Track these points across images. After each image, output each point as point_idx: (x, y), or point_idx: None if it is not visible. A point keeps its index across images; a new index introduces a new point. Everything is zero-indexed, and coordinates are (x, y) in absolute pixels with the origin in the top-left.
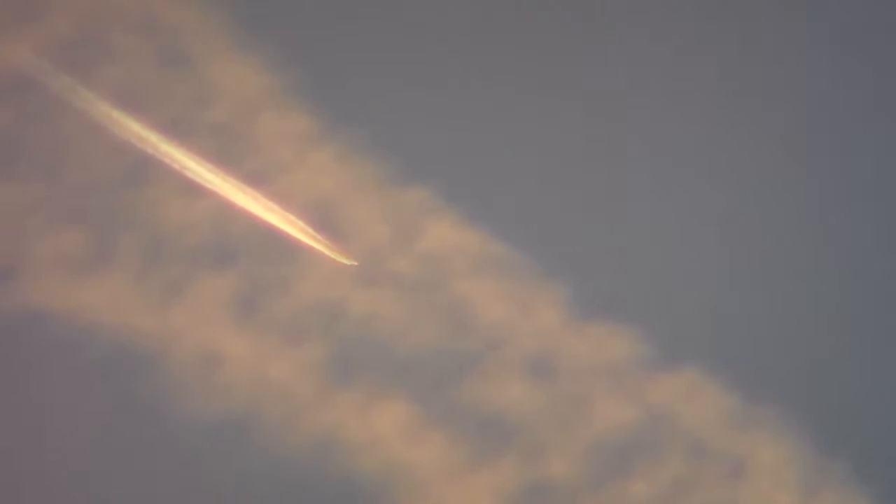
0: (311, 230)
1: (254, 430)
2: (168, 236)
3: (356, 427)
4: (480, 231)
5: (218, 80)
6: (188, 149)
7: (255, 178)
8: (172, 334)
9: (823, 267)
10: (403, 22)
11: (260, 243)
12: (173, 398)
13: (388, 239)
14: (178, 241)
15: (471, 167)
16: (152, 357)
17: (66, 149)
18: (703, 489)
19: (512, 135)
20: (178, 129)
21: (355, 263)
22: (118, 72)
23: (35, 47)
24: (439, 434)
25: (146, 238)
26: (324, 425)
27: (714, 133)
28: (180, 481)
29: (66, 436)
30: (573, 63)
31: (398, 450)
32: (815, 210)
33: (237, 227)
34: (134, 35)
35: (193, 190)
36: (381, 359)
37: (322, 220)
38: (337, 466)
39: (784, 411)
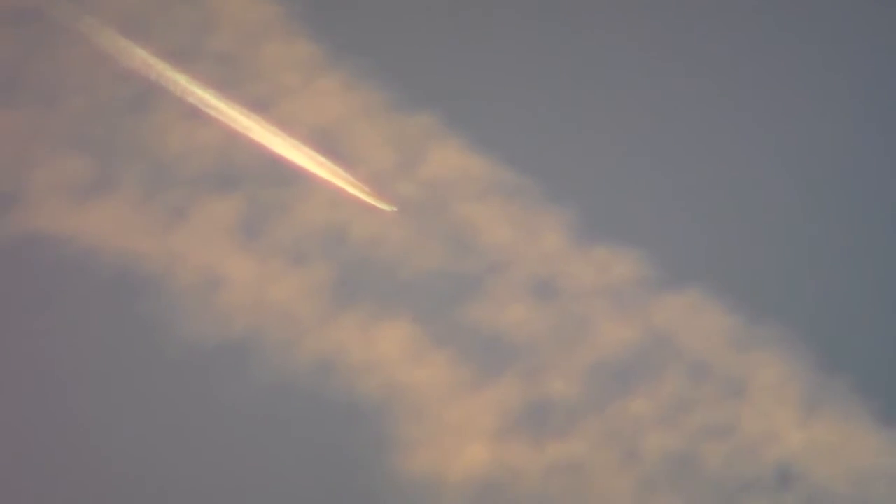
0: (315, 155)
1: (256, 353)
2: (171, 162)
3: (358, 349)
4: (484, 156)
5: (223, 7)
6: (193, 76)
7: (260, 105)
8: (175, 258)
9: (825, 187)
10: None
11: (263, 168)
12: (176, 321)
13: (393, 164)
14: (182, 167)
15: (475, 93)
16: (155, 280)
17: (70, 76)
18: (704, 408)
19: (516, 59)
20: (182, 57)
21: (360, 188)
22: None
23: None
24: (441, 355)
25: (150, 163)
26: (326, 347)
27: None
28: (182, 403)
29: (68, 359)
30: None
31: (400, 371)
32: (817, 128)
33: (241, 153)
34: None
35: (197, 116)
36: (384, 281)
37: (327, 145)
38: (339, 388)
39: (785, 330)
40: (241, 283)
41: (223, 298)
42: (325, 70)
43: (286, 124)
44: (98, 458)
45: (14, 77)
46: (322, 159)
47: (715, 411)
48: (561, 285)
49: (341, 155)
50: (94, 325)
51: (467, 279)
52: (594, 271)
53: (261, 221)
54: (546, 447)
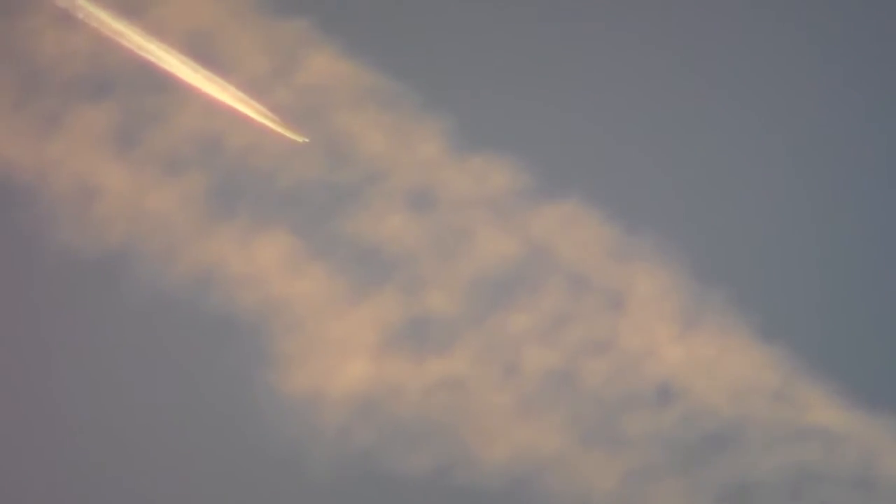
0: (189, 62)
1: (133, 263)
2: (43, 68)
3: (236, 260)
4: (361, 62)
5: None
6: None
7: (133, 10)
8: (49, 166)
9: (699, 105)
10: None
11: (137, 75)
12: (50, 231)
13: (268, 70)
14: (54, 73)
15: None
16: (29, 189)
17: None
18: (583, 321)
19: None
20: None
21: (235, 95)
22: None
23: None
24: (319, 267)
25: (20, 69)
26: (203, 259)
27: None
28: (57, 315)
29: None
30: None
31: (278, 284)
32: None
33: (114, 59)
34: None
35: (69, 21)
36: (261, 191)
37: (200, 51)
38: (217, 300)
39: (663, 241)
40: (116, 193)
41: (99, 208)
42: None
43: (159, 29)
44: None
45: None
46: (196, 66)
47: (594, 326)
48: (438, 196)
49: (216, 61)
50: None
51: (345, 189)
52: (471, 181)
53: (136, 129)
54: (426, 363)
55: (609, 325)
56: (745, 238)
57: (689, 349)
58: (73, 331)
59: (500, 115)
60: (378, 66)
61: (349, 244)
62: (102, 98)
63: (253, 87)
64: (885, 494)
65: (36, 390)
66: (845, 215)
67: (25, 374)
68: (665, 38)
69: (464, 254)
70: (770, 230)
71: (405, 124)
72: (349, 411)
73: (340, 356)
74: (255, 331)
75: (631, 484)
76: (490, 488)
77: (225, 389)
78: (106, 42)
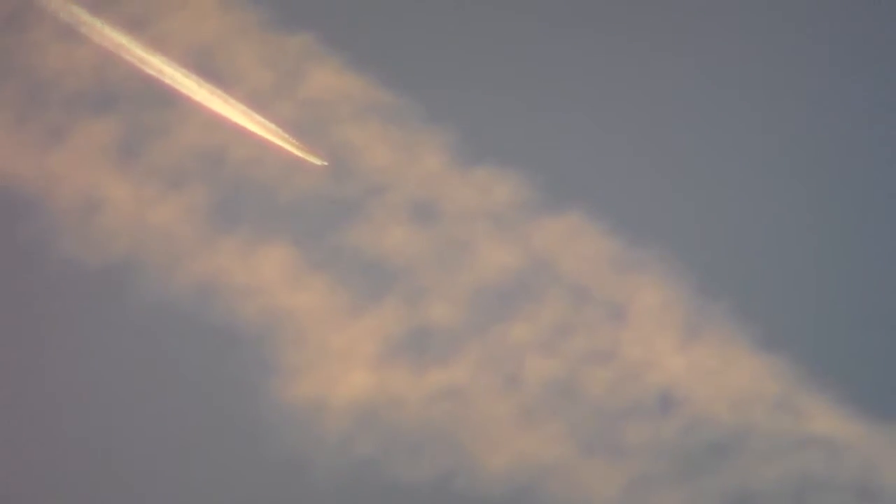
0: (193, 76)
1: (135, 276)
2: (47, 81)
3: (238, 272)
4: (363, 76)
5: None
6: None
7: (136, 23)
8: (53, 180)
9: (701, 116)
10: None
11: (140, 89)
12: (54, 244)
13: (271, 85)
14: (58, 87)
15: (352, 11)
16: (33, 203)
17: None
18: (585, 333)
19: None
20: None
21: (238, 109)
22: None
23: None
24: (321, 279)
25: (25, 83)
26: (206, 271)
27: None
28: (62, 326)
29: None
30: None
31: (281, 295)
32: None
33: (117, 73)
34: None
35: (73, 35)
36: (264, 204)
37: (204, 65)
38: (219, 312)
39: (665, 254)
40: (119, 206)
41: (102, 221)
42: None
43: (163, 43)
44: None
45: None
46: (199, 80)
47: (596, 336)
48: (441, 208)
49: (219, 75)
50: None
51: (347, 202)
52: (474, 193)
53: (139, 143)
54: (427, 373)
55: (610, 335)
56: (746, 249)
57: (691, 359)
58: (76, 342)
59: (502, 128)
60: (381, 79)
61: (351, 256)
62: (106, 111)
63: (256, 101)
64: None
65: (39, 401)
66: (846, 226)
67: (29, 385)
68: (669, 52)
69: (466, 265)
70: (771, 241)
71: (408, 137)
72: (351, 420)
73: (342, 367)
74: (257, 341)
75: (633, 493)
76: (492, 497)
77: (228, 399)
78: (109, 56)
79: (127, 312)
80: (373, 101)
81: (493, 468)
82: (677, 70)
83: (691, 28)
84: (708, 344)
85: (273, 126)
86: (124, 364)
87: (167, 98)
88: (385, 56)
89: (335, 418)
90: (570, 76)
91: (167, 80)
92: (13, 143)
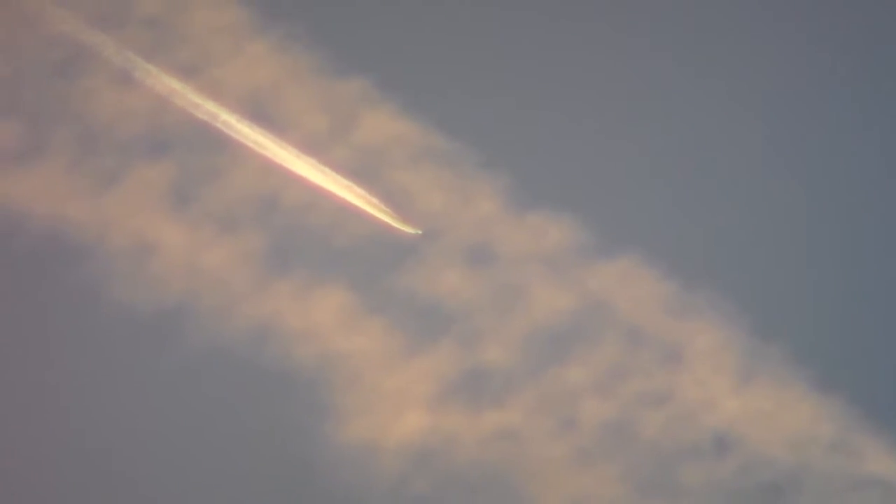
0: (246, 121)
1: (189, 320)
2: (102, 127)
3: (293, 316)
4: (417, 121)
5: None
6: (123, 40)
7: (191, 70)
8: (107, 225)
9: (759, 149)
10: None
11: (194, 134)
12: (108, 288)
13: (326, 129)
14: (113, 132)
15: (407, 57)
16: (87, 248)
17: None
18: (641, 375)
19: (448, 22)
20: (111, 22)
21: (294, 154)
22: None
23: None
24: (376, 322)
25: (80, 129)
26: (260, 315)
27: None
28: (118, 371)
29: (1, 328)
30: None
31: (335, 338)
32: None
33: (172, 118)
34: None
35: (128, 81)
36: (318, 248)
37: (258, 111)
38: (274, 356)
39: (720, 297)
40: (173, 250)
41: (156, 265)
42: (255, 34)
43: (217, 89)
44: (37, 428)
45: None
46: (253, 125)
47: (651, 379)
48: (496, 252)
49: (273, 120)
50: (28, 293)
51: (402, 246)
52: (529, 237)
53: (192, 187)
54: (482, 415)
55: (666, 378)
56: (802, 292)
57: (746, 401)
58: (131, 387)
59: (556, 173)
60: (435, 124)
61: (405, 299)
62: (160, 156)
63: (311, 146)
64: None
65: (98, 444)
66: None
67: (87, 429)
68: (724, 96)
69: (520, 308)
70: (827, 284)
71: (462, 181)
72: (406, 463)
73: (397, 409)
74: (312, 385)
75: None
76: None
77: (283, 443)
78: (163, 101)
79: (181, 357)
80: (427, 146)
81: None
82: (731, 117)
83: (723, 86)
84: (763, 386)
85: (327, 171)
86: (180, 409)
87: (221, 143)
88: (439, 101)
89: (390, 460)
90: (625, 121)
91: (221, 126)
92: (69, 188)
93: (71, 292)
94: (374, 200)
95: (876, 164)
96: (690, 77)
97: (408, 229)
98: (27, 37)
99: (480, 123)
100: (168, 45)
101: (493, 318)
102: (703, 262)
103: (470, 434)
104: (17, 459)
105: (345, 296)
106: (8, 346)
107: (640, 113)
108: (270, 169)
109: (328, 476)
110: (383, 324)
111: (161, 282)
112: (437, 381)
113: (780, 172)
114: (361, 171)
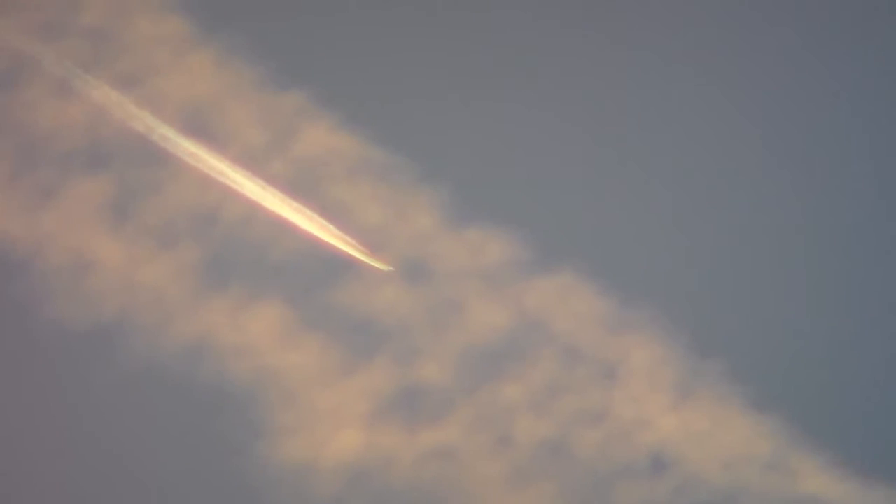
0: (185, 135)
1: (126, 335)
2: (39, 140)
3: (229, 331)
4: (356, 134)
5: None
6: (61, 51)
7: (129, 82)
8: (44, 239)
9: (690, 174)
10: None
11: (132, 148)
12: (44, 304)
13: (265, 143)
14: (50, 145)
15: (346, 71)
16: (23, 262)
17: None
18: (577, 392)
19: (387, 36)
20: (50, 33)
21: (232, 168)
22: None
23: None
24: (312, 338)
25: (16, 142)
26: (196, 331)
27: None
28: (51, 387)
29: None
30: None
31: (271, 355)
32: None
33: (110, 131)
34: None
35: (66, 93)
36: (255, 263)
37: (197, 123)
38: (209, 371)
39: (657, 313)
40: (110, 266)
41: (93, 281)
42: (195, 46)
43: (156, 102)
44: None
45: None
46: (192, 138)
47: (587, 396)
48: (433, 267)
49: (212, 133)
50: None
51: (338, 261)
52: (467, 253)
53: (130, 202)
54: (418, 433)
55: (602, 395)
56: (738, 310)
57: (683, 420)
58: (66, 402)
59: (494, 188)
60: (374, 138)
61: (342, 315)
62: (97, 171)
63: (249, 159)
64: None
65: (29, 461)
66: (838, 290)
67: (18, 444)
68: (661, 113)
69: (457, 325)
70: (763, 302)
71: (399, 196)
72: (341, 481)
73: (332, 426)
74: (247, 401)
75: None
76: None
77: (217, 460)
78: (102, 114)
79: (117, 372)
80: (365, 159)
81: None
82: (669, 131)
83: (691, 92)
84: (700, 404)
85: (265, 185)
86: (114, 424)
87: (159, 156)
88: (378, 115)
89: (325, 479)
90: (562, 138)
91: (159, 139)
92: (5, 201)
93: (5, 308)
94: (312, 214)
95: (808, 185)
96: (624, 95)
97: (347, 248)
98: None
99: (419, 137)
100: (107, 56)
101: (429, 335)
102: (640, 279)
103: (406, 453)
104: None
105: (281, 311)
106: None
107: (577, 128)
108: (208, 183)
109: (263, 495)
110: (319, 340)
111: (97, 297)
112: (373, 399)
113: (715, 189)
114: (299, 185)
